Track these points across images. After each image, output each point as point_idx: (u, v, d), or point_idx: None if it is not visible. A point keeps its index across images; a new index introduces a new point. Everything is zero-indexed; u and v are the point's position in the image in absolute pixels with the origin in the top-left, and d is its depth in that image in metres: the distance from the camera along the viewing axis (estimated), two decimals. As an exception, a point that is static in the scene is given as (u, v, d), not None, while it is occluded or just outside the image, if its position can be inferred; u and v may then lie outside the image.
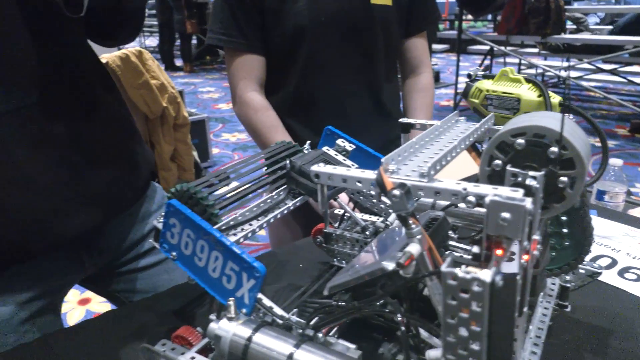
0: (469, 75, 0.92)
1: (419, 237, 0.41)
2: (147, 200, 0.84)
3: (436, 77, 5.80)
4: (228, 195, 0.59)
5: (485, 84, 0.87)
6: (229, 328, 0.46)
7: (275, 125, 1.05)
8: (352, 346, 0.45)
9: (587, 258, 0.59)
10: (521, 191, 0.36)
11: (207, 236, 0.49)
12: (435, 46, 7.35)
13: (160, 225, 0.54)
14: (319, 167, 0.47)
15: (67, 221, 0.69)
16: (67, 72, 0.67)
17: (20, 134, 0.63)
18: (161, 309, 0.74)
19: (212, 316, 0.50)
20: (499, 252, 0.36)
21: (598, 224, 0.94)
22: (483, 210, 0.44)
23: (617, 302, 0.71)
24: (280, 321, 0.49)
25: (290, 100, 1.09)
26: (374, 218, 0.78)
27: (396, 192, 0.40)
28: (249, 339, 0.44)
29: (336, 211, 0.83)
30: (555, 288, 0.59)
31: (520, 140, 0.43)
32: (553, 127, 0.42)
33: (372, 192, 0.72)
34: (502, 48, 4.16)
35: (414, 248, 0.40)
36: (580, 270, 0.63)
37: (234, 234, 0.55)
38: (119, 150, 0.76)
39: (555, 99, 0.70)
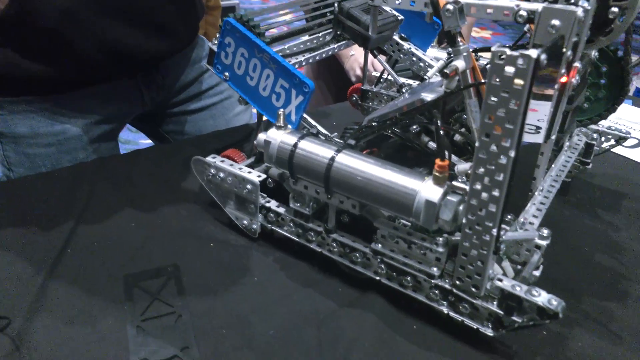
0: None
1: (465, 54, 0.44)
2: (197, 46, 0.89)
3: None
4: (278, 30, 0.61)
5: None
6: (277, 136, 0.50)
7: None
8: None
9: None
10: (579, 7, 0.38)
11: (261, 54, 0.53)
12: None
13: (215, 47, 0.57)
14: (374, -11, 0.48)
15: (139, 46, 0.73)
16: None
17: None
18: (206, 147, 0.80)
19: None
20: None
21: (631, 112, 0.95)
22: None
23: (636, 174, 0.74)
24: (322, 137, 0.54)
25: None
26: (410, 81, 0.80)
27: (450, 7, 0.42)
28: (295, 145, 0.49)
29: (373, 73, 0.85)
30: (581, 144, 0.62)
31: (577, -32, 0.43)
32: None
33: (414, 50, 0.73)
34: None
35: (459, 63, 0.43)
36: (609, 136, 0.66)
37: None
38: None
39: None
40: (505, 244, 0.42)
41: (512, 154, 0.35)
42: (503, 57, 0.32)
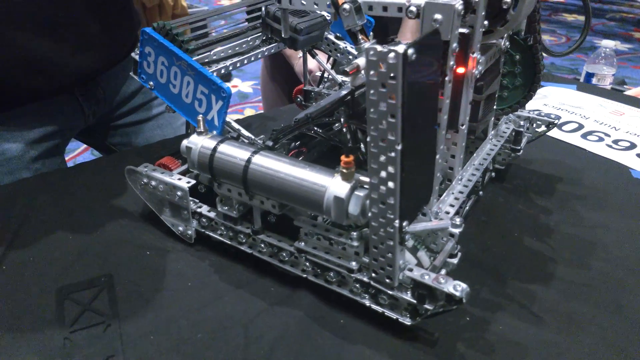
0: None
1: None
2: None
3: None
4: (204, 38, 0.62)
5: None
6: (198, 141, 0.51)
7: None
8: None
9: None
10: (459, 1, 0.39)
11: (179, 61, 0.53)
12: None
13: (137, 57, 0.57)
14: (281, -8, 0.49)
15: (68, 62, 0.73)
16: None
17: None
18: (152, 156, 0.80)
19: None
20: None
21: (574, 96, 0.97)
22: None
23: (573, 157, 0.76)
24: (246, 140, 0.54)
25: None
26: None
27: (346, 6, 0.43)
28: (214, 149, 0.50)
29: (317, 73, 0.86)
30: (509, 131, 0.63)
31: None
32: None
33: (349, 48, 0.74)
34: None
35: (360, 61, 0.44)
36: (539, 122, 0.67)
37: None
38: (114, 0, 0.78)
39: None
40: (413, 235, 0.43)
41: (399, 147, 0.35)
42: (375, 53, 0.32)
